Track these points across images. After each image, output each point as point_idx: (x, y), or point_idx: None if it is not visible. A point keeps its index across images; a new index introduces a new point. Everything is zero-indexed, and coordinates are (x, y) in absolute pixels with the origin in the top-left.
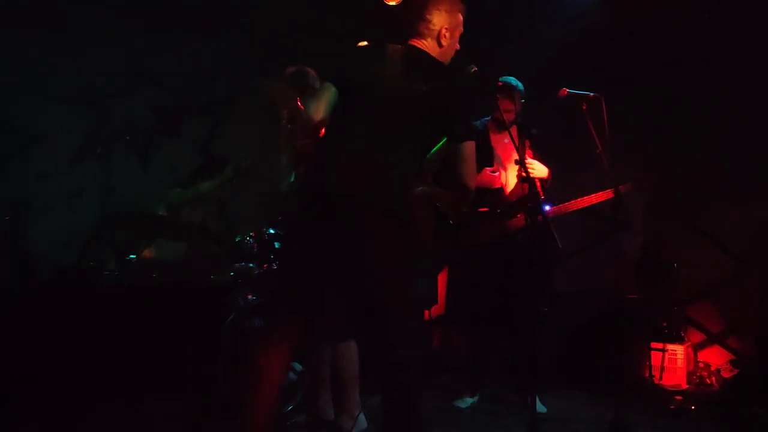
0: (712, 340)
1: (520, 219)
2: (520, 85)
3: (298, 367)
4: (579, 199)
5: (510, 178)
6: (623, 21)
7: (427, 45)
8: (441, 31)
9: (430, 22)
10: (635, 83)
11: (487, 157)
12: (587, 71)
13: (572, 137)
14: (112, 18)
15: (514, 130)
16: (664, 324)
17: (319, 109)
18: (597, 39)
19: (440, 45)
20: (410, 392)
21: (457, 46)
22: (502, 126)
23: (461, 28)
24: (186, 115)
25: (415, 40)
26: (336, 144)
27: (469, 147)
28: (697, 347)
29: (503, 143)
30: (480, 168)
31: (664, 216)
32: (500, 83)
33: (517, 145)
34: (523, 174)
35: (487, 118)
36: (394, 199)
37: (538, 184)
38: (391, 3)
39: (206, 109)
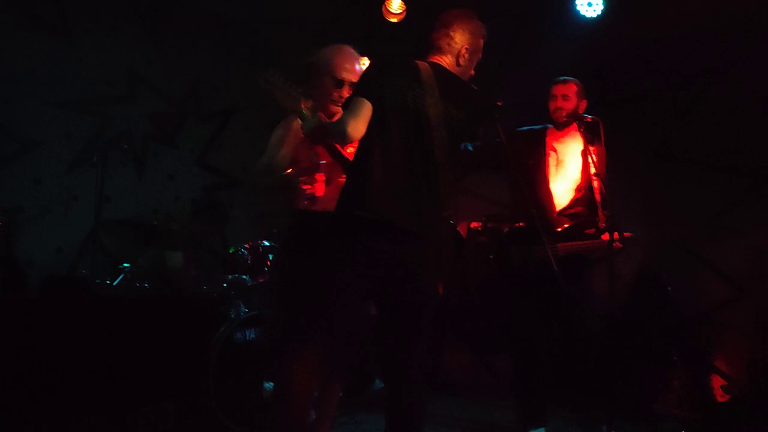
0: (705, 364)
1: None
2: (564, 78)
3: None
4: (572, 244)
5: (561, 192)
6: (623, 43)
7: (447, 62)
8: (461, 51)
9: (452, 39)
10: (635, 103)
11: (542, 166)
12: (587, 92)
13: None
14: (114, 25)
15: (576, 131)
16: (658, 347)
17: (359, 128)
18: (597, 60)
19: (458, 64)
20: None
21: (472, 72)
22: (560, 127)
23: (480, 55)
24: (185, 123)
25: (436, 56)
26: (377, 171)
27: None
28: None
29: (563, 152)
30: (535, 177)
31: (660, 239)
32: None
33: (585, 159)
34: (594, 184)
35: (549, 125)
36: (435, 226)
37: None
38: (392, 20)
39: (206, 118)
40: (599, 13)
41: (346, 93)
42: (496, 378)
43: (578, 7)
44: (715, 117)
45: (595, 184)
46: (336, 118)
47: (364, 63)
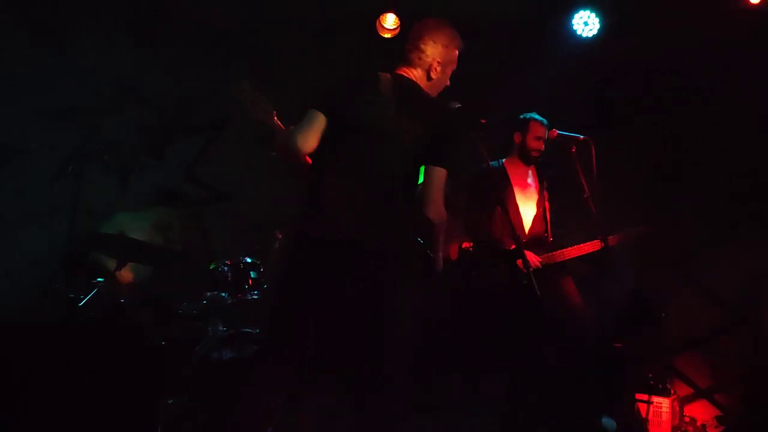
0: (698, 394)
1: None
2: (545, 121)
3: None
4: (565, 250)
5: (527, 217)
6: (621, 62)
7: (416, 75)
8: (432, 64)
9: (423, 52)
10: (631, 123)
11: (505, 197)
12: (583, 111)
13: (562, 180)
14: (104, 34)
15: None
16: (650, 375)
17: (309, 140)
18: (594, 79)
19: (429, 78)
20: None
21: (448, 83)
22: (527, 162)
23: (455, 65)
24: (175, 135)
25: (405, 68)
26: (329, 185)
27: (440, 174)
28: (684, 401)
29: (525, 182)
30: (493, 206)
31: (653, 263)
32: (530, 118)
33: (541, 185)
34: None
35: (504, 158)
36: (390, 240)
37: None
38: (386, 35)
39: (197, 130)
40: (596, 32)
41: None
42: (483, 398)
43: (575, 27)
44: (713, 137)
45: (546, 204)
46: None
47: None
